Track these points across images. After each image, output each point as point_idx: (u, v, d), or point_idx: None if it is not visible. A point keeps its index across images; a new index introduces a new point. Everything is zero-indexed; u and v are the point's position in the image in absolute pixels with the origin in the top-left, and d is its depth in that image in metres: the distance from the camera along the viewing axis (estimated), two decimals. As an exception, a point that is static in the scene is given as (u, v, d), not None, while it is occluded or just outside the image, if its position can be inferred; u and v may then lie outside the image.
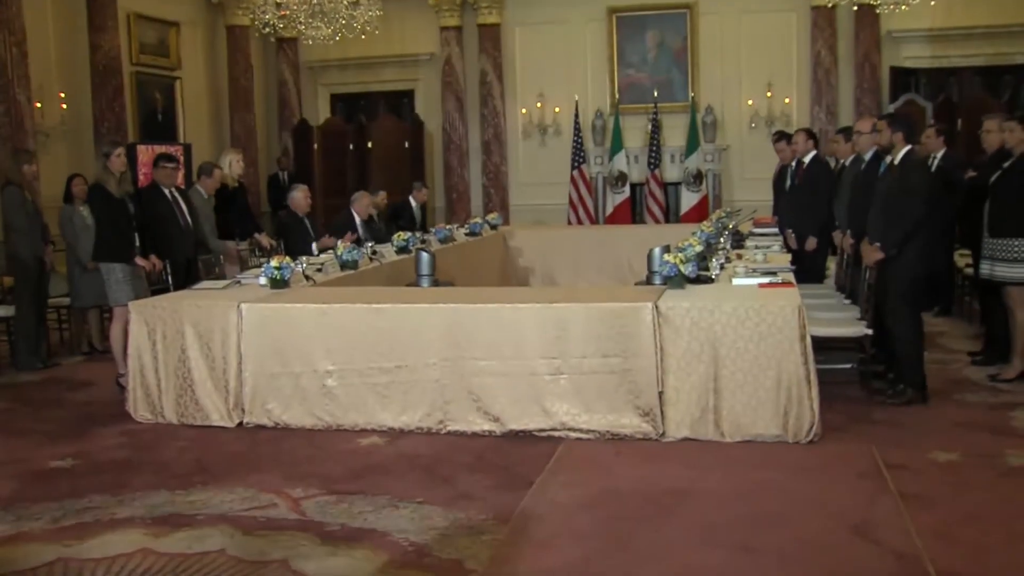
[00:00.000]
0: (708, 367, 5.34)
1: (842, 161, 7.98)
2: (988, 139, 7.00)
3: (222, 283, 6.73)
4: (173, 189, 7.79)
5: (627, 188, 14.76)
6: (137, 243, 7.25)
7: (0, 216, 8.04)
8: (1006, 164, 6.56)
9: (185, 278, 7.39)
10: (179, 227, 7.67)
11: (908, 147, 6.09)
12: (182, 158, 12.97)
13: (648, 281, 6.29)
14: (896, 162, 6.08)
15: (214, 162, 9.20)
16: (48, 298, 8.45)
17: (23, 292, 7.99)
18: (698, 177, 14.38)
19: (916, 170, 6.06)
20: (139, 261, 7.16)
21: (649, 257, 6.28)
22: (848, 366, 6.44)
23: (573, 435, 5.46)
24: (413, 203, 11.16)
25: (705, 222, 9.41)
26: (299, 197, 9.19)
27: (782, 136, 9.36)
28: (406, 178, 14.03)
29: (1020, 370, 6.48)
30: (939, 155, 8.30)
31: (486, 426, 5.60)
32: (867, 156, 6.83)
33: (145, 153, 12.04)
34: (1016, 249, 6.37)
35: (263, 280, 6.51)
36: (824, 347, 5.98)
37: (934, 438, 5.30)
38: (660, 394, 5.38)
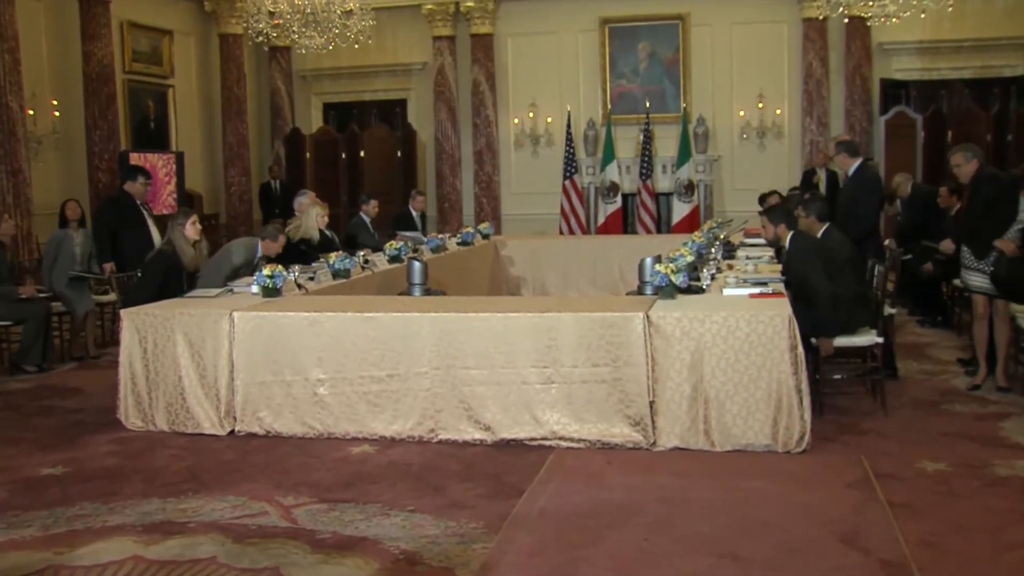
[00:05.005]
0: (698, 377, 5.36)
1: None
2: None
3: (214, 291, 6.74)
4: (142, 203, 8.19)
5: (619, 198, 14.79)
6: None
7: None
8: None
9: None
10: (147, 239, 7.95)
11: (791, 233, 6.52)
12: (174, 166, 13.04)
13: (639, 291, 6.32)
14: (786, 246, 6.57)
15: (279, 226, 8.34)
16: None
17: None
18: (689, 187, 14.42)
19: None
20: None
21: (640, 267, 6.31)
22: (838, 377, 6.48)
23: (564, 444, 5.48)
24: (413, 212, 11.15)
25: (696, 232, 9.45)
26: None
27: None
28: (398, 187, 14.07)
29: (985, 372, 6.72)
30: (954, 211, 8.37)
31: (477, 435, 5.61)
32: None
33: (137, 161, 12.04)
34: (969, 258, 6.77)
35: (255, 288, 6.52)
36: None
37: (923, 448, 5.33)
38: (651, 403, 5.40)
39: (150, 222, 8.64)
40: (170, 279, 6.93)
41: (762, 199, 10.84)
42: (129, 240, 8.41)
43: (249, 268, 7.83)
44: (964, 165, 6.92)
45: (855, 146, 8.22)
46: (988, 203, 6.72)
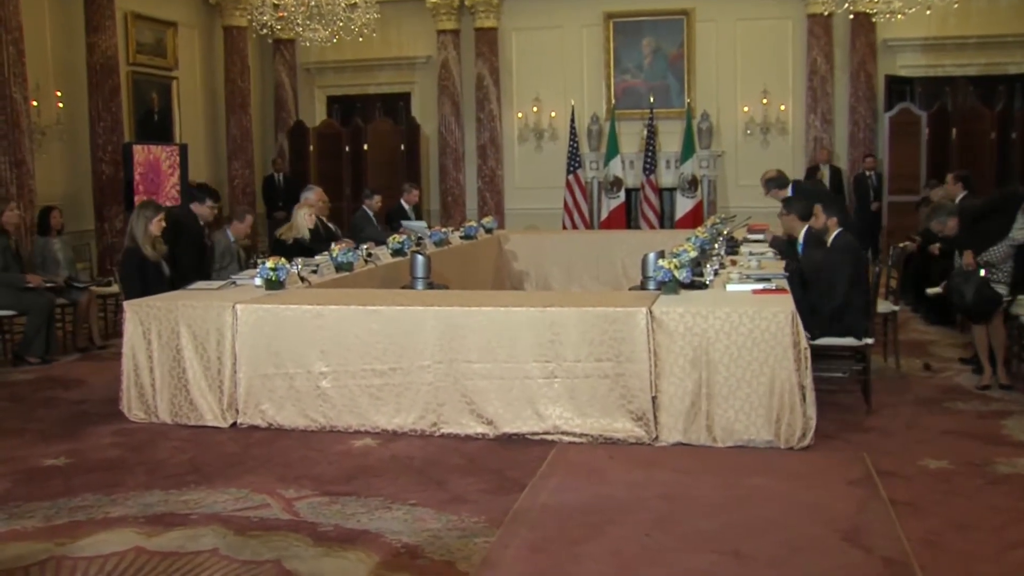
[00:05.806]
0: (701, 372, 5.36)
1: None
2: None
3: (217, 284, 6.74)
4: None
5: (622, 193, 14.77)
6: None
7: None
8: None
9: None
10: (202, 259, 8.02)
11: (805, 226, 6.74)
12: (178, 158, 13.03)
13: (642, 286, 6.33)
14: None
15: (246, 207, 8.84)
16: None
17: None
18: (693, 183, 14.40)
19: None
20: None
21: (644, 262, 6.31)
22: (841, 374, 6.48)
23: (566, 439, 5.48)
24: (406, 206, 11.14)
25: (700, 228, 9.43)
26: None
27: None
28: (402, 181, 14.04)
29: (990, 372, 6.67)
30: (959, 198, 8.38)
31: (479, 429, 5.62)
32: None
33: (141, 153, 12.03)
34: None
35: (258, 281, 6.52)
36: (818, 356, 6.01)
37: (925, 446, 5.33)
38: (653, 399, 5.40)
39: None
40: (148, 274, 6.93)
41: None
42: (187, 259, 7.80)
43: (231, 254, 7.89)
44: (946, 227, 7.06)
45: (780, 179, 8.49)
46: (981, 213, 6.74)
